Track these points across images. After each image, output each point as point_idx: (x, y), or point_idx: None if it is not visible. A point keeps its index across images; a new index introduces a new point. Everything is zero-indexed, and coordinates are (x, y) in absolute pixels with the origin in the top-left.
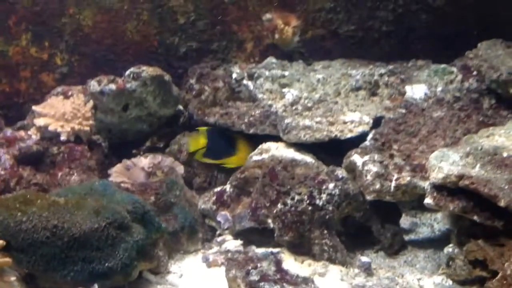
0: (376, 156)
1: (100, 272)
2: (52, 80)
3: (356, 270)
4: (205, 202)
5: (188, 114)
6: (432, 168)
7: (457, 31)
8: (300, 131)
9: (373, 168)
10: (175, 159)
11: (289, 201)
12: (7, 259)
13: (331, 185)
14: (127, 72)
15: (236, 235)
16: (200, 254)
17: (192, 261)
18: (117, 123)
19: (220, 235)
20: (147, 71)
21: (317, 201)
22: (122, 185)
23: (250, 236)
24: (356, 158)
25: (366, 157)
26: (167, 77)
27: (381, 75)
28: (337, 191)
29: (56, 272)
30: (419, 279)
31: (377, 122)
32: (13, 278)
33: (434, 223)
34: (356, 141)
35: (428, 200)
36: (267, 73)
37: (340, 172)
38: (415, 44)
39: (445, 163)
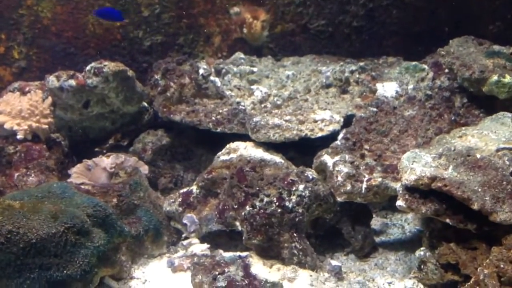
0: (347, 157)
1: (58, 279)
2: (9, 75)
3: (326, 275)
4: (170, 204)
5: (153, 111)
6: (404, 170)
7: (429, 27)
8: (269, 130)
9: (344, 169)
10: (139, 158)
11: (257, 203)
12: None
13: (301, 187)
14: (88, 67)
15: (203, 238)
16: (165, 258)
17: (157, 266)
18: (78, 121)
19: (186, 238)
20: (109, 66)
21: (287, 203)
22: (83, 186)
23: (217, 239)
24: (327, 158)
25: (337, 158)
26: (130, 72)
27: (351, 72)
28: (307, 192)
29: (11, 280)
30: (390, 283)
31: (348, 120)
32: None
33: (405, 224)
34: (327, 138)
35: (400, 203)
36: (235, 69)
37: (310, 173)
38: (386, 40)
39: (417, 165)
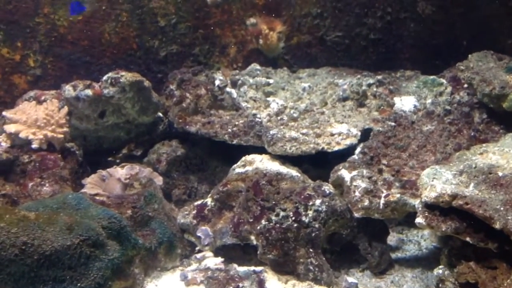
0: (364, 172)
1: None
2: (24, 83)
3: None
4: (184, 216)
5: (168, 122)
6: (424, 186)
7: (446, 41)
8: (286, 143)
9: (362, 184)
10: (153, 169)
11: (273, 217)
12: None
13: (318, 201)
14: (105, 78)
15: (217, 252)
16: (178, 271)
17: (170, 279)
18: (93, 130)
19: (200, 251)
20: (126, 76)
21: (303, 218)
22: (97, 198)
23: (231, 253)
24: (344, 173)
25: (355, 172)
26: (146, 83)
27: (369, 85)
28: (324, 207)
29: None
30: None
31: (365, 134)
32: None
33: (421, 240)
34: (343, 152)
35: (419, 220)
36: (251, 80)
37: (327, 188)
38: (403, 53)
39: (438, 181)
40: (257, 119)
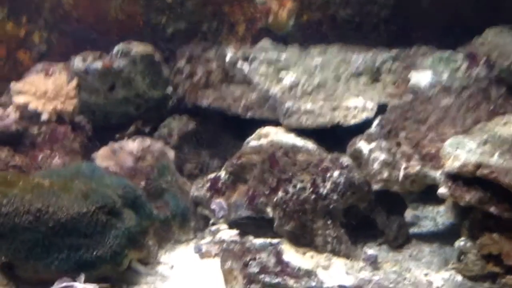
0: (383, 144)
1: (87, 261)
2: (29, 59)
3: (361, 263)
4: (198, 189)
5: (177, 98)
6: (447, 156)
7: (460, 18)
8: (302, 115)
9: (381, 156)
10: (164, 143)
11: (290, 189)
12: None
13: (335, 173)
14: (115, 49)
15: (231, 224)
16: (192, 244)
17: (184, 251)
18: (102, 105)
19: (213, 224)
20: (137, 49)
21: (321, 190)
22: (111, 169)
23: (245, 226)
24: (362, 145)
25: (373, 144)
26: (157, 56)
27: (384, 60)
28: (342, 179)
29: (38, 261)
30: (426, 274)
31: (381, 109)
32: None
33: (437, 216)
34: (357, 128)
35: (442, 190)
36: (262, 56)
37: (345, 160)
38: (415, 31)
39: (462, 151)
40: (271, 93)
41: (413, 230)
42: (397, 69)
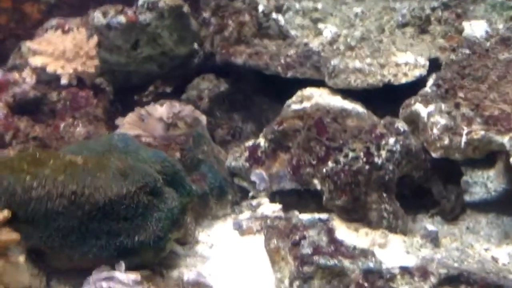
0: (443, 106)
1: (128, 247)
2: (37, 12)
3: (420, 240)
4: (235, 158)
5: (204, 54)
6: None
7: None
8: (350, 74)
9: (441, 120)
10: (194, 107)
11: (341, 159)
12: (14, 236)
13: (391, 140)
14: (140, 1)
15: (270, 197)
16: (230, 219)
17: (222, 228)
18: (124, 64)
19: (253, 197)
20: (165, 0)
21: (375, 159)
22: (142, 139)
23: (285, 199)
24: (420, 108)
25: (431, 107)
26: (186, 7)
27: (433, 8)
28: (398, 147)
29: (74, 249)
30: (486, 249)
31: (432, 64)
32: (21, 259)
33: (488, 182)
34: (406, 87)
35: None
36: (297, 5)
37: (401, 125)
38: None
39: None
40: (314, 48)
41: (465, 198)
42: (449, 18)
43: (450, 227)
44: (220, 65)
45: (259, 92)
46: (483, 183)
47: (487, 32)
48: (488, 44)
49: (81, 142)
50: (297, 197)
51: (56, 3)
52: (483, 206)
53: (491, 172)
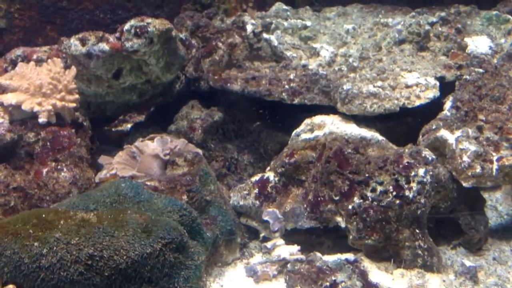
0: (470, 131)
1: None
2: None
3: (458, 278)
4: (244, 197)
5: (185, 79)
6: None
7: None
8: (365, 100)
9: (471, 147)
10: (186, 139)
11: (369, 194)
12: None
13: (421, 171)
14: (127, 27)
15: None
16: (240, 264)
17: (234, 276)
18: (101, 95)
19: (265, 238)
20: (155, 24)
21: (406, 192)
22: (148, 183)
23: (294, 237)
24: (446, 134)
25: (458, 133)
26: (174, 31)
27: (431, 24)
28: (428, 178)
29: None
30: None
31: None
32: None
33: (497, 204)
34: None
35: None
36: (285, 23)
37: (428, 153)
38: None
39: None
40: (319, 72)
41: None
42: (450, 34)
43: (476, 258)
44: (205, 91)
45: (254, 119)
46: (493, 206)
47: (491, 47)
48: (495, 61)
49: (84, 194)
50: (309, 235)
51: (7, 27)
52: (500, 232)
53: (498, 194)
